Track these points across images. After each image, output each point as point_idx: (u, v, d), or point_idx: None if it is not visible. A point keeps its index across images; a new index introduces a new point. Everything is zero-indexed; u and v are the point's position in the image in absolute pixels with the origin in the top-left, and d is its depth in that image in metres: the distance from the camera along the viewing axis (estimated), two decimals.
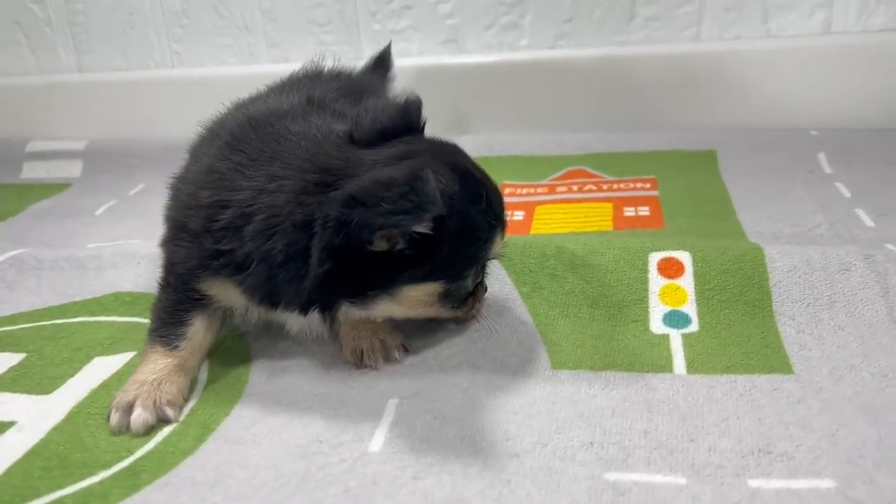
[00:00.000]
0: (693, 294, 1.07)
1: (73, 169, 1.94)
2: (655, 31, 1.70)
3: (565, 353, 1.00)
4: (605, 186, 1.51)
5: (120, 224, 1.61)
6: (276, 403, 0.95)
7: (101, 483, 0.83)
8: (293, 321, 0.99)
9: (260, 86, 2.00)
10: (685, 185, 1.49)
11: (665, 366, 0.95)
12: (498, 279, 1.15)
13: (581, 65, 1.71)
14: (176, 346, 0.97)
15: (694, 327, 1.02)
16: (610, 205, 1.42)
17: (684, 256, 1.12)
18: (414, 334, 1.07)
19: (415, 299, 0.92)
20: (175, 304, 0.98)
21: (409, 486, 0.78)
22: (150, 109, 1.97)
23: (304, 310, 0.92)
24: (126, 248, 1.38)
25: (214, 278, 0.94)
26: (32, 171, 1.98)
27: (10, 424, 0.95)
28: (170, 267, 1.01)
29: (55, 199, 1.82)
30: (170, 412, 0.92)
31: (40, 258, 1.38)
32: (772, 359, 0.94)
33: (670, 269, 1.11)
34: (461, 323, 1.05)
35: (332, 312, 0.92)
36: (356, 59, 1.84)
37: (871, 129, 1.59)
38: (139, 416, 0.90)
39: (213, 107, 1.93)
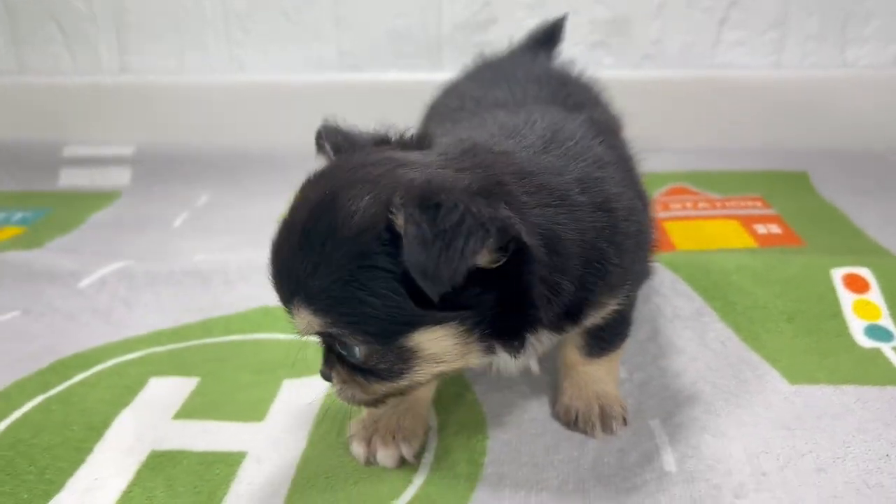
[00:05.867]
0: (886, 309, 1.10)
1: (121, 177, 1.80)
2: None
3: (794, 368, 0.99)
4: (718, 204, 1.54)
5: (208, 237, 1.50)
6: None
7: None
8: None
9: (329, 95, 1.93)
10: (793, 205, 1.52)
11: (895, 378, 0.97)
12: (684, 294, 1.14)
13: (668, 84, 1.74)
14: None
15: None
16: (736, 223, 1.44)
17: (865, 273, 1.15)
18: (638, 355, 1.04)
19: None
20: None
21: None
22: (206, 116, 1.85)
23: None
24: (255, 262, 1.28)
25: None
26: (72, 178, 1.81)
27: (241, 455, 0.86)
28: None
29: (112, 209, 1.68)
30: (405, 450, 0.84)
31: (152, 272, 1.27)
32: None
33: (855, 284, 1.13)
34: None
35: None
36: (434, 70, 1.80)
37: None
38: (384, 453, 0.83)
39: (278, 115, 1.85)
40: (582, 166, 0.79)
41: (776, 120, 1.74)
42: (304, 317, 0.69)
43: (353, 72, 1.84)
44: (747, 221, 1.45)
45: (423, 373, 0.73)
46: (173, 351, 1.10)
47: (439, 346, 0.69)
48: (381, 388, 0.74)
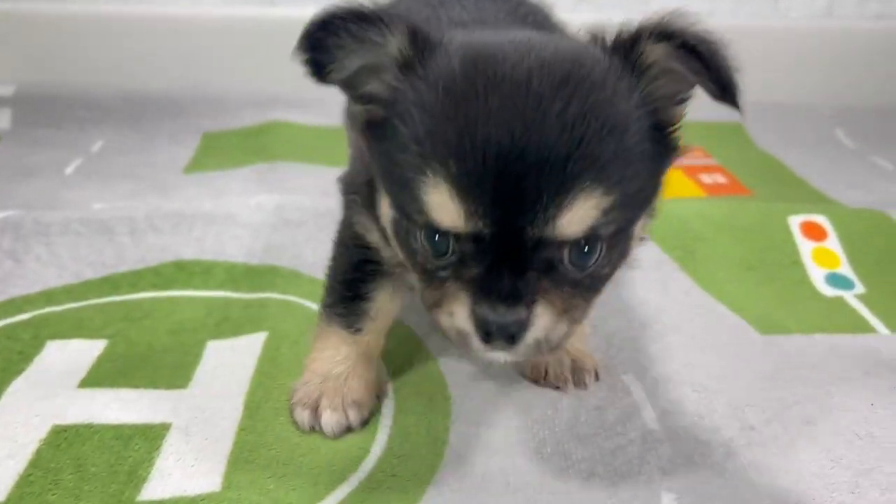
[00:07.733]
0: (844, 256, 1.07)
1: (0, 119, 1.58)
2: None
3: (762, 318, 0.95)
4: None
5: (107, 185, 1.32)
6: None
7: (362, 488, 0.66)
8: None
9: (239, 32, 1.74)
10: (733, 155, 1.49)
11: (863, 327, 0.93)
12: None
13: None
14: (359, 329, 0.77)
15: (860, 289, 1.01)
16: (680, 172, 1.39)
17: (822, 220, 1.12)
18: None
19: (385, 216, 0.66)
20: (352, 272, 0.79)
21: None
22: (98, 52, 1.64)
23: None
24: (165, 210, 1.13)
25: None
26: None
27: (164, 427, 0.73)
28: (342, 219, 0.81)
29: None
30: (353, 416, 0.74)
31: (43, 222, 1.10)
32: None
33: (813, 232, 1.10)
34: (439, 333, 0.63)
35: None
36: None
37: (878, 108, 1.70)
38: (330, 419, 0.73)
39: (180, 53, 1.66)
40: None
41: None
42: (586, 203, 0.54)
43: (267, 6, 1.67)
44: (691, 171, 1.40)
45: None
46: (72, 310, 0.94)
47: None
48: (589, 306, 0.62)
